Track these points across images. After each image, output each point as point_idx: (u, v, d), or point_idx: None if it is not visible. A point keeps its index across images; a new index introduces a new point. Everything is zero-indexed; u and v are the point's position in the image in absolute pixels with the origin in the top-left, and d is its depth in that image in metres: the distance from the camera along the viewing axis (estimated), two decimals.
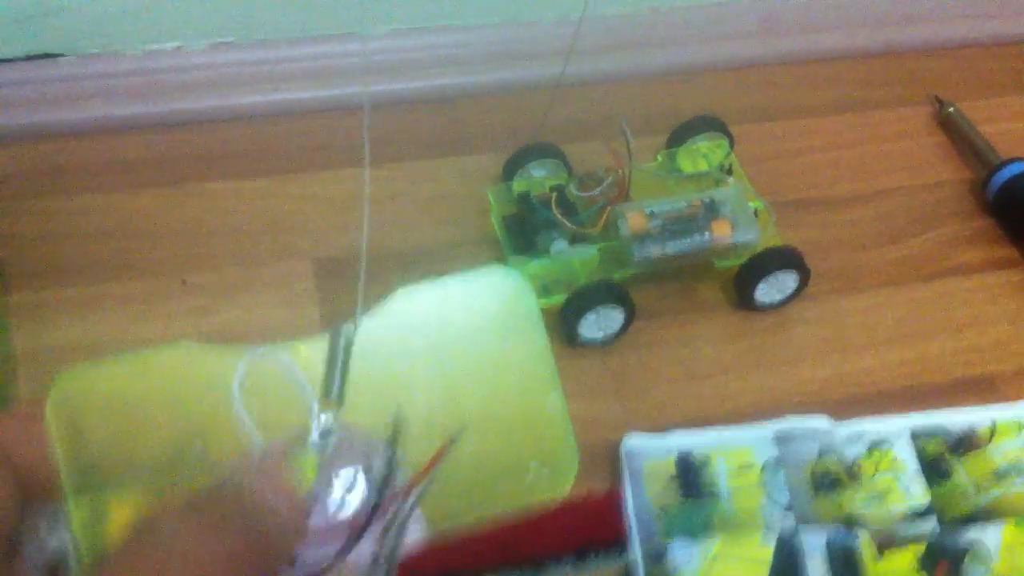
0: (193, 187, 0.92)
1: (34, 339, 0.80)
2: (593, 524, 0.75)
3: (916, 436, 0.80)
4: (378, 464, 0.33)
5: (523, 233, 0.86)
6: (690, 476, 0.77)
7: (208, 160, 0.94)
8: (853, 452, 0.79)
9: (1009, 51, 1.13)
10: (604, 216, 0.86)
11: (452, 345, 0.35)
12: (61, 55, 0.95)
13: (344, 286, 0.87)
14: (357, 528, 0.32)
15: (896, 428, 0.80)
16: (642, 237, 0.84)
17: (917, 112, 1.06)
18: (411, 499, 0.33)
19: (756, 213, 0.87)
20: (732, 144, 0.94)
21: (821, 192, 0.98)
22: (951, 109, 1.04)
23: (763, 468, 0.77)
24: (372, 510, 0.32)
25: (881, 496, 0.76)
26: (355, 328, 0.34)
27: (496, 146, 0.95)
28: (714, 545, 0.73)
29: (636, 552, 0.73)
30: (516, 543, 0.73)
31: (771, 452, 0.78)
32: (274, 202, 0.92)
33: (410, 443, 0.33)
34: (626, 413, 0.82)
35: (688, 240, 0.84)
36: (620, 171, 0.88)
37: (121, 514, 0.31)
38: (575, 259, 0.85)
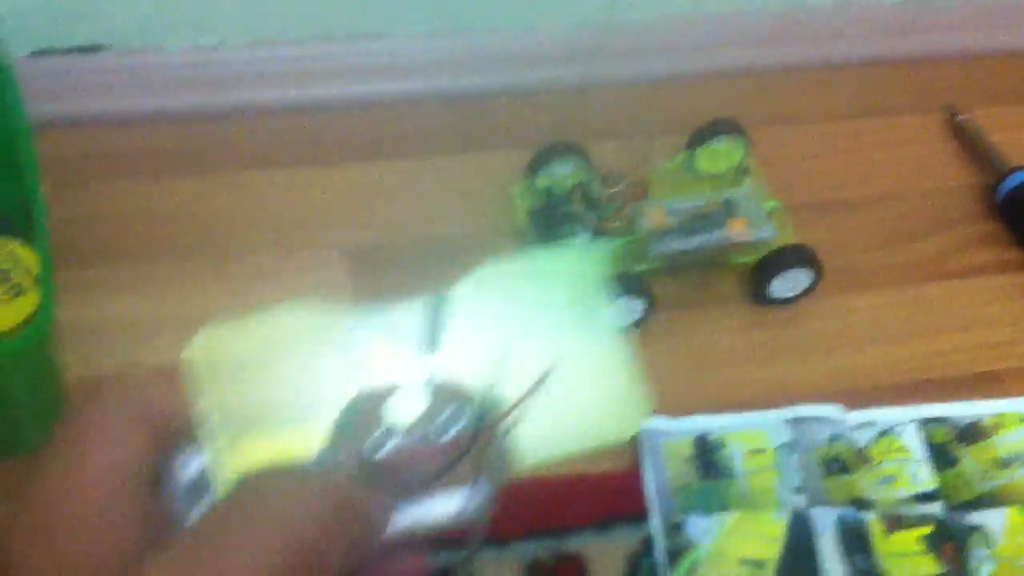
0: (227, 177, 0.96)
1: (78, 314, 0.84)
2: (615, 498, 0.78)
3: (924, 425, 0.83)
4: (477, 400, 0.36)
5: (547, 227, 0.90)
6: (707, 457, 0.80)
7: (241, 151, 0.98)
8: (863, 438, 0.82)
9: (1021, 62, 1.16)
10: (625, 212, 0.89)
11: (534, 307, 0.38)
12: (105, 48, 0.98)
13: (374, 272, 0.90)
14: (457, 450, 0.35)
15: (905, 417, 0.83)
16: (661, 233, 0.87)
17: (929, 120, 1.09)
18: (505, 427, 0.36)
19: (771, 213, 0.91)
20: (749, 146, 0.97)
21: (834, 194, 1.01)
22: (962, 117, 1.07)
23: (776, 451, 0.80)
24: (471, 437, 0.36)
25: (889, 480, 0.79)
26: (450, 295, 0.38)
27: (520, 144, 0.98)
28: (729, 520, 0.76)
29: (656, 524, 0.76)
30: (543, 513, 0.76)
31: (784, 436, 0.81)
32: (305, 192, 0.95)
33: (504, 385, 0.37)
34: (645, 396, 0.84)
35: (706, 236, 0.88)
36: (641, 170, 0.91)
37: (251, 454, 0.35)
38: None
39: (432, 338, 0.37)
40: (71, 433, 0.34)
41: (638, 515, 0.77)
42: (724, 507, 0.77)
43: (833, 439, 0.81)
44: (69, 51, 0.98)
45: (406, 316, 0.38)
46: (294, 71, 1.01)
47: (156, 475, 0.35)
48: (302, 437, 0.36)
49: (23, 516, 0.32)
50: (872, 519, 0.77)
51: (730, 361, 0.89)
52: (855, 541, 0.76)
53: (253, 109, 1.00)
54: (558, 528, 0.76)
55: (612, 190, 0.90)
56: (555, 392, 0.38)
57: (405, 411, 0.37)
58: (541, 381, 0.37)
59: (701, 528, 0.76)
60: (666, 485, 0.78)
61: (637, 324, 0.88)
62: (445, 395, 0.37)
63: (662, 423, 0.81)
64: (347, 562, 0.33)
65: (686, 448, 0.80)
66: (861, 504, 0.78)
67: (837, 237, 0.98)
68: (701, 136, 0.97)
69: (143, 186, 0.94)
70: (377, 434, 0.36)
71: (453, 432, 0.36)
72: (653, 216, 0.88)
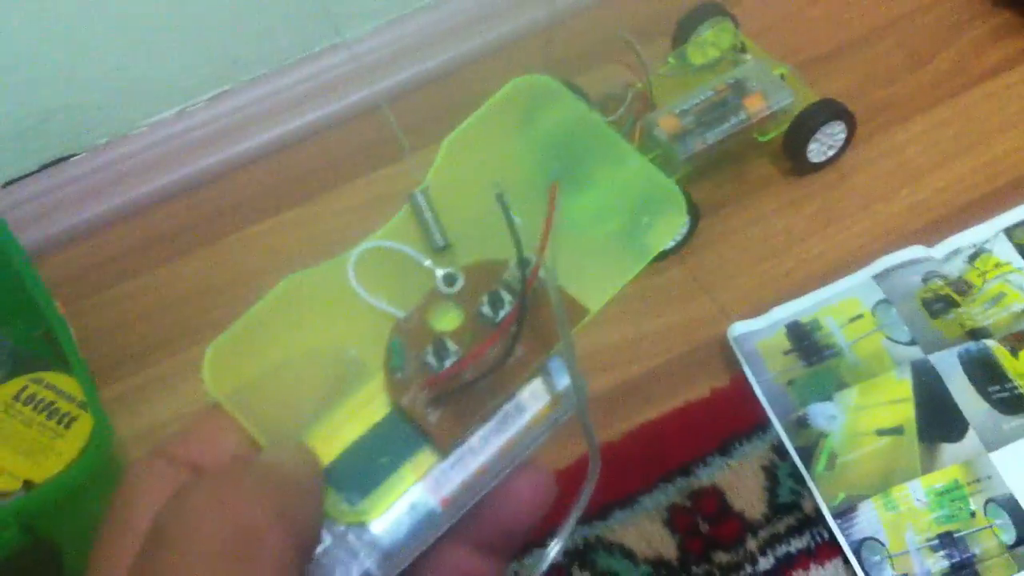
0: (236, 237, 0.92)
1: (138, 421, 0.81)
2: (728, 417, 0.74)
3: (1012, 232, 0.78)
4: (509, 265, 0.34)
5: None
6: (805, 342, 0.76)
7: (241, 207, 0.94)
8: (956, 268, 0.77)
9: None
10: (638, 130, 0.85)
11: (513, 151, 0.35)
12: (73, 155, 0.95)
13: None
14: (513, 323, 0.33)
15: (989, 232, 0.79)
16: (681, 136, 0.83)
17: None
18: (551, 275, 0.33)
19: (784, 78, 0.86)
20: (737, 23, 0.92)
21: (838, 38, 0.97)
22: None
23: (873, 312, 0.76)
24: (520, 304, 0.33)
25: (997, 299, 0.75)
26: (427, 187, 0.34)
27: None
28: (852, 397, 0.72)
29: (778, 429, 0.72)
30: (663, 457, 0.73)
31: (877, 294, 0.77)
32: (318, 224, 0.92)
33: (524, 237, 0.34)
34: (722, 307, 0.81)
35: (726, 124, 0.83)
36: (638, 83, 0.87)
37: (325, 445, 0.32)
38: None
39: (433, 235, 0.34)
40: (109, 514, 0.30)
41: (757, 425, 0.73)
42: (841, 386, 0.73)
43: (927, 278, 0.77)
44: (40, 170, 0.95)
45: (396, 233, 0.34)
46: (264, 111, 0.98)
47: None
48: (364, 399, 0.33)
49: None
50: (994, 345, 0.73)
51: (791, 241, 0.84)
52: (984, 373, 0.72)
53: (235, 162, 0.97)
54: (684, 465, 0.72)
55: (615, 114, 0.86)
56: (582, 223, 0.35)
57: (446, 319, 0.34)
58: (554, 186, 0.34)
59: (826, 415, 0.72)
60: (773, 384, 0.74)
61: (686, 238, 0.84)
62: (477, 278, 0.34)
63: (749, 324, 0.78)
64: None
65: (781, 341, 0.76)
66: (977, 334, 0.73)
67: (857, 78, 0.93)
68: (684, 30, 0.93)
69: (156, 275, 0.91)
70: (430, 350, 0.33)
71: (502, 313, 0.33)
72: (666, 124, 0.84)
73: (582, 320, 0.34)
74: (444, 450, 0.32)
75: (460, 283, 0.34)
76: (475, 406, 0.33)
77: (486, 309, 0.33)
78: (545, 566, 0.33)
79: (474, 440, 0.33)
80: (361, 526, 0.32)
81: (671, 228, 0.35)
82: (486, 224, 0.34)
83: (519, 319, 0.33)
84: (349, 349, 0.34)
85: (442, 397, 0.33)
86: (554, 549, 0.33)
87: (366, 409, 0.33)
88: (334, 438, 0.33)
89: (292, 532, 0.29)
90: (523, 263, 0.33)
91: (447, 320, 0.34)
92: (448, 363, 0.33)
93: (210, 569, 0.27)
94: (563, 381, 0.33)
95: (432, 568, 0.32)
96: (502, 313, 0.33)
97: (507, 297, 0.33)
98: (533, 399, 0.33)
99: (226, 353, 0.33)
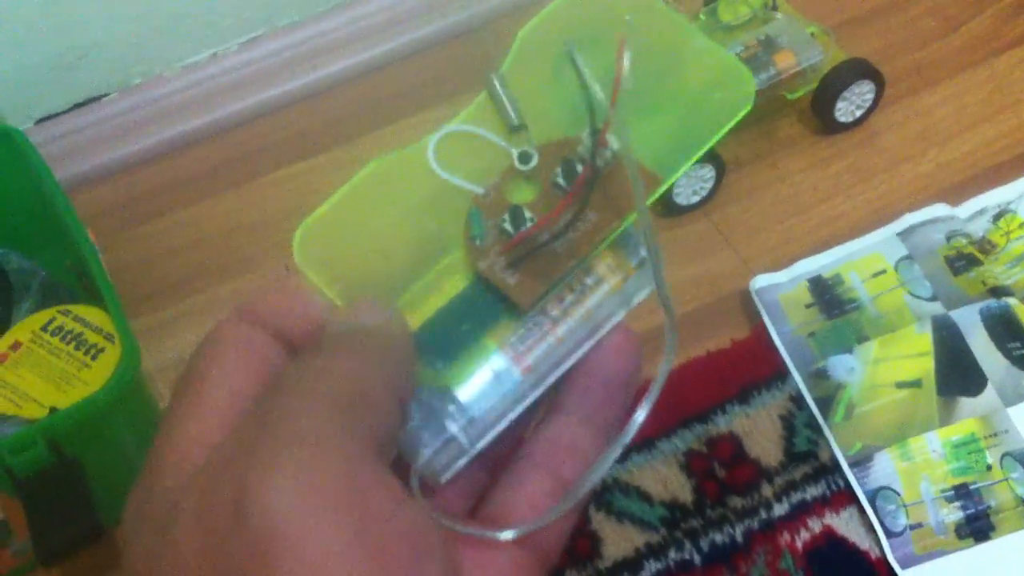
0: (268, 179, 0.93)
1: (162, 355, 0.82)
2: (749, 366, 0.75)
3: None
4: (581, 139, 0.34)
5: None
6: (827, 296, 0.76)
7: (273, 149, 0.95)
8: (979, 227, 0.78)
9: None
10: None
11: (587, 42, 0.36)
12: (105, 95, 0.96)
13: None
14: (585, 185, 0.33)
15: (1014, 193, 0.79)
16: None
17: None
18: (623, 143, 0.34)
19: (814, 36, 0.86)
20: None
21: (869, 3, 0.97)
22: None
23: (897, 267, 0.76)
24: (592, 168, 0.34)
25: (1020, 260, 0.75)
26: (503, 71, 0.35)
27: None
28: (872, 350, 0.73)
29: (797, 378, 0.73)
30: (682, 402, 0.73)
31: (900, 250, 0.77)
32: (346, 171, 0.92)
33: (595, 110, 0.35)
34: (745, 261, 0.81)
35: (755, 79, 0.84)
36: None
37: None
38: None
39: (509, 115, 0.35)
40: (193, 363, 0.31)
41: (776, 375, 0.74)
42: (861, 339, 0.73)
43: (950, 237, 0.77)
44: (72, 109, 0.95)
45: (475, 116, 0.35)
46: (295, 57, 0.98)
47: None
48: (445, 271, 0.34)
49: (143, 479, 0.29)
50: (1015, 303, 0.73)
51: (818, 199, 0.85)
52: (1005, 329, 0.72)
53: (267, 106, 0.98)
54: (703, 412, 0.73)
55: None
56: (655, 100, 0.35)
57: (523, 192, 0.35)
58: (624, 76, 0.35)
59: (845, 367, 0.72)
60: (794, 336, 0.75)
61: (711, 192, 0.84)
62: (552, 155, 0.35)
63: (772, 277, 0.78)
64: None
65: (803, 295, 0.77)
66: (999, 292, 0.74)
67: (888, 42, 0.93)
68: None
69: (186, 214, 0.92)
70: (507, 217, 0.34)
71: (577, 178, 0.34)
72: None
73: (657, 190, 0.34)
74: (524, 310, 0.33)
75: (535, 160, 0.35)
76: (551, 268, 0.33)
77: (560, 180, 0.34)
78: (633, 431, 0.34)
79: (553, 310, 0.33)
80: (445, 391, 0.32)
81: (739, 103, 0.35)
82: (560, 106, 0.35)
83: (591, 179, 0.34)
84: (431, 224, 0.35)
85: (519, 260, 0.33)
86: (641, 415, 0.33)
87: (448, 281, 0.34)
88: (418, 308, 0.34)
89: (395, 393, 0.30)
90: (594, 125, 0.34)
91: (523, 193, 0.35)
92: (522, 226, 0.34)
93: (327, 418, 0.28)
94: (637, 255, 0.34)
95: (534, 440, 0.33)
96: (572, 176, 0.34)
97: (580, 167, 0.34)
98: (609, 272, 0.34)
99: (315, 232, 0.34)
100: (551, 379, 0.33)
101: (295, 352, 0.31)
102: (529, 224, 0.34)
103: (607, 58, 0.35)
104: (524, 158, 0.35)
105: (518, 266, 0.33)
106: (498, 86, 0.35)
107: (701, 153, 0.35)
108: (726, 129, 0.35)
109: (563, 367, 0.33)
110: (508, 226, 0.34)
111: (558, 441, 0.33)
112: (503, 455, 0.33)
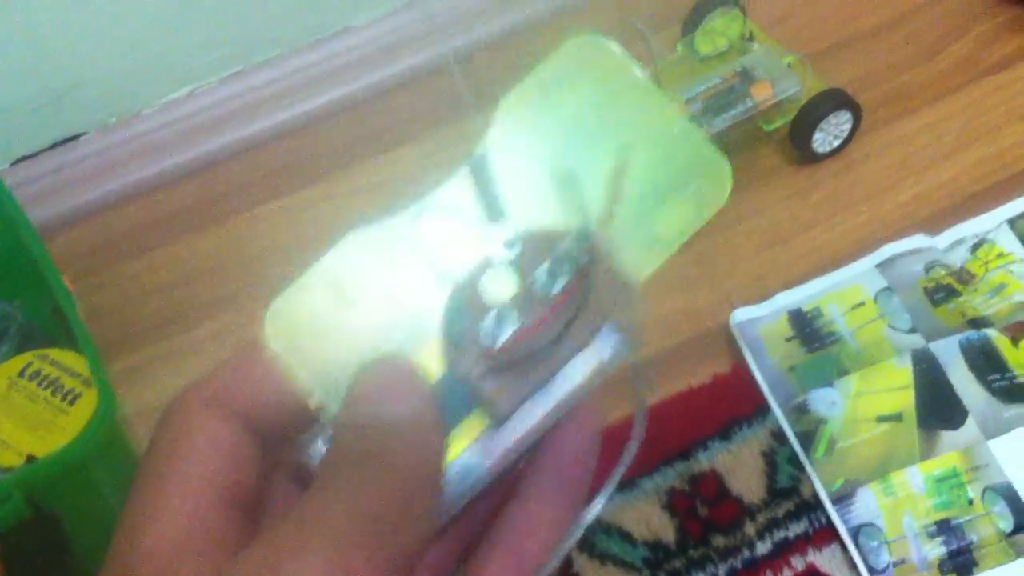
0: (245, 216, 0.93)
1: (142, 398, 0.81)
2: (729, 402, 0.74)
3: (1015, 223, 0.78)
4: (569, 237, 0.33)
5: None
6: (807, 329, 0.76)
7: (250, 187, 0.95)
8: (958, 257, 0.78)
9: None
10: None
11: (569, 120, 0.35)
12: (84, 134, 0.96)
13: None
14: (574, 294, 0.33)
15: (992, 222, 0.79)
16: None
17: None
18: (610, 245, 0.33)
19: (791, 67, 0.87)
20: (745, 13, 0.93)
21: (847, 31, 0.97)
22: None
23: (875, 300, 0.76)
24: (581, 273, 0.33)
25: (999, 289, 0.75)
26: (483, 151, 0.35)
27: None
28: (853, 383, 0.72)
29: (778, 412, 0.73)
30: (662, 440, 0.73)
31: (879, 282, 0.77)
32: (328, 205, 0.93)
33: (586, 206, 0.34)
34: (725, 294, 0.81)
35: (732, 111, 0.84)
36: (645, 69, 0.87)
37: None
38: None
39: (492, 201, 0.34)
40: (150, 460, 0.30)
41: (758, 411, 0.74)
42: (842, 372, 0.73)
43: (929, 268, 0.77)
44: (50, 148, 0.95)
45: (454, 195, 0.34)
46: (273, 93, 0.98)
47: (268, 470, 0.32)
48: (419, 361, 0.33)
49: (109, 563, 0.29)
50: (994, 334, 0.73)
51: (796, 229, 0.85)
52: (986, 361, 0.72)
53: (246, 143, 0.98)
54: (684, 449, 0.73)
55: None
56: (635, 189, 0.35)
57: (504, 286, 0.34)
58: (620, 177, 0.34)
59: (826, 401, 0.72)
60: (775, 370, 0.75)
61: None
62: (536, 248, 0.34)
63: (752, 310, 0.78)
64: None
65: (783, 328, 0.77)
66: (978, 323, 0.74)
67: (867, 69, 0.94)
68: (695, 19, 0.93)
69: (164, 254, 0.92)
70: (489, 321, 0.33)
71: (561, 283, 0.33)
72: None
73: (630, 298, 0.34)
74: (501, 418, 0.33)
75: (518, 248, 0.34)
76: (532, 372, 0.33)
77: (543, 277, 0.33)
78: (590, 518, 0.34)
79: (525, 404, 0.33)
80: None
81: (714, 198, 0.34)
82: (544, 189, 0.35)
83: (580, 296, 0.33)
84: (405, 310, 0.34)
85: (498, 368, 0.33)
86: (597, 505, 0.34)
87: (426, 366, 0.33)
88: None
89: (430, 512, 0.30)
90: (583, 235, 0.33)
91: (505, 284, 0.34)
92: (505, 334, 0.33)
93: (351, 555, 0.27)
94: (608, 349, 0.34)
95: (497, 522, 0.33)
96: (559, 282, 0.33)
97: (567, 267, 0.33)
98: (582, 365, 0.34)
99: (285, 311, 0.33)
100: (516, 464, 0.33)
101: (262, 439, 0.31)
102: (510, 329, 0.33)
103: (591, 136, 0.35)
104: (508, 244, 0.34)
105: (496, 372, 0.33)
106: (479, 169, 0.34)
107: (674, 250, 0.34)
108: (700, 226, 0.34)
109: (525, 453, 0.33)
110: (488, 328, 0.33)
111: (521, 522, 0.33)
112: (466, 536, 0.33)
